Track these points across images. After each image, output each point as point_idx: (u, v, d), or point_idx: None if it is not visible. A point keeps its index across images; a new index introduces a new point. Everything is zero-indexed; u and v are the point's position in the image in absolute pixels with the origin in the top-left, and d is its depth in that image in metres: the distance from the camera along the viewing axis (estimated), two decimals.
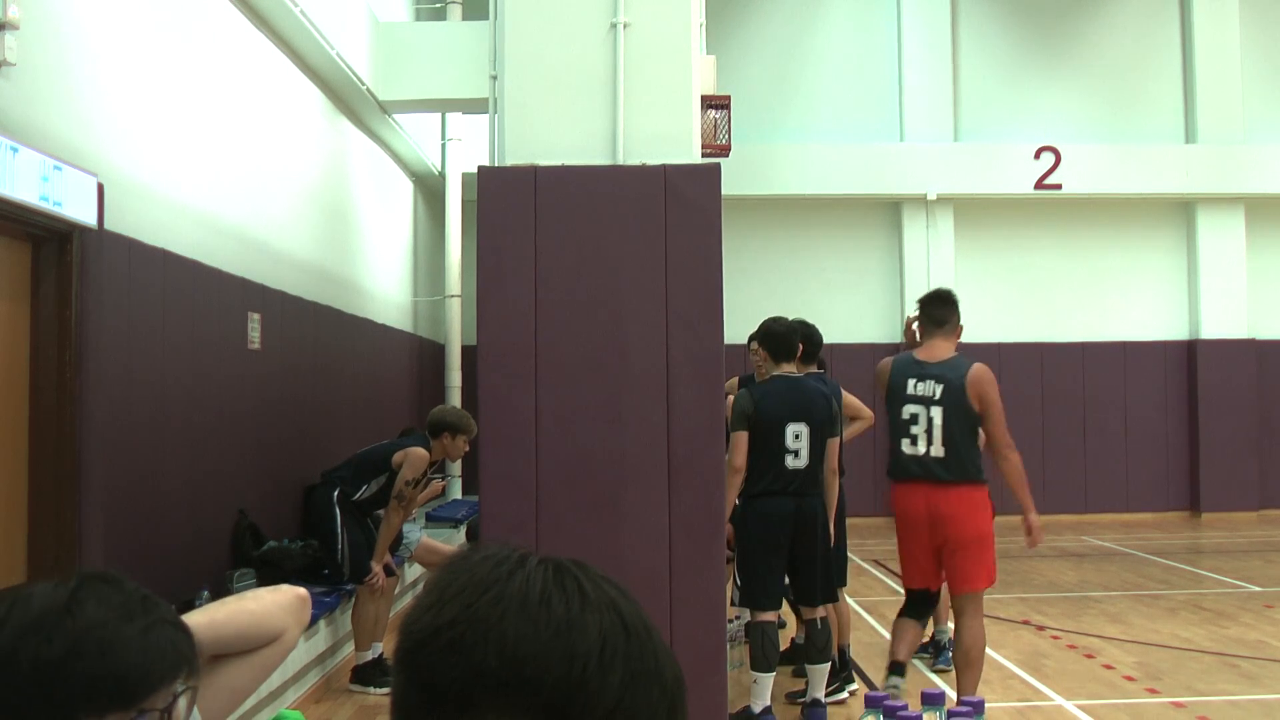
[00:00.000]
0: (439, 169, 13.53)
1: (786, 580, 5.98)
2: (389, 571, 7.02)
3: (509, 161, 4.94)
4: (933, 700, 1.93)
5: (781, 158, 15.58)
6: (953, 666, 5.83)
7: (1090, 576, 10.96)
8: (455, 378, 13.60)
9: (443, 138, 13.53)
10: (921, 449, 5.49)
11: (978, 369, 5.57)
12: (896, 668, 5.58)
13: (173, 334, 6.26)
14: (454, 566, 0.92)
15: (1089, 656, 7.43)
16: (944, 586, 5.72)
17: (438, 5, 12.72)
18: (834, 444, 5.97)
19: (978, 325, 13.82)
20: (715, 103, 10.04)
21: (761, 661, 5.67)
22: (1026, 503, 5.51)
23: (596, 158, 4.94)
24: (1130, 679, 6.85)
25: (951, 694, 5.60)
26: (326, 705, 6.52)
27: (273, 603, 1.72)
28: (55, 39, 5.21)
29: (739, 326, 7.10)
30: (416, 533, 7.86)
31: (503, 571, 0.90)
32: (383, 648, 6.83)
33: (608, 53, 4.96)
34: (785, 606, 6.37)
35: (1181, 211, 16.40)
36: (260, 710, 5.55)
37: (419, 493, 7.20)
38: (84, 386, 5.21)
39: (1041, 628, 8.36)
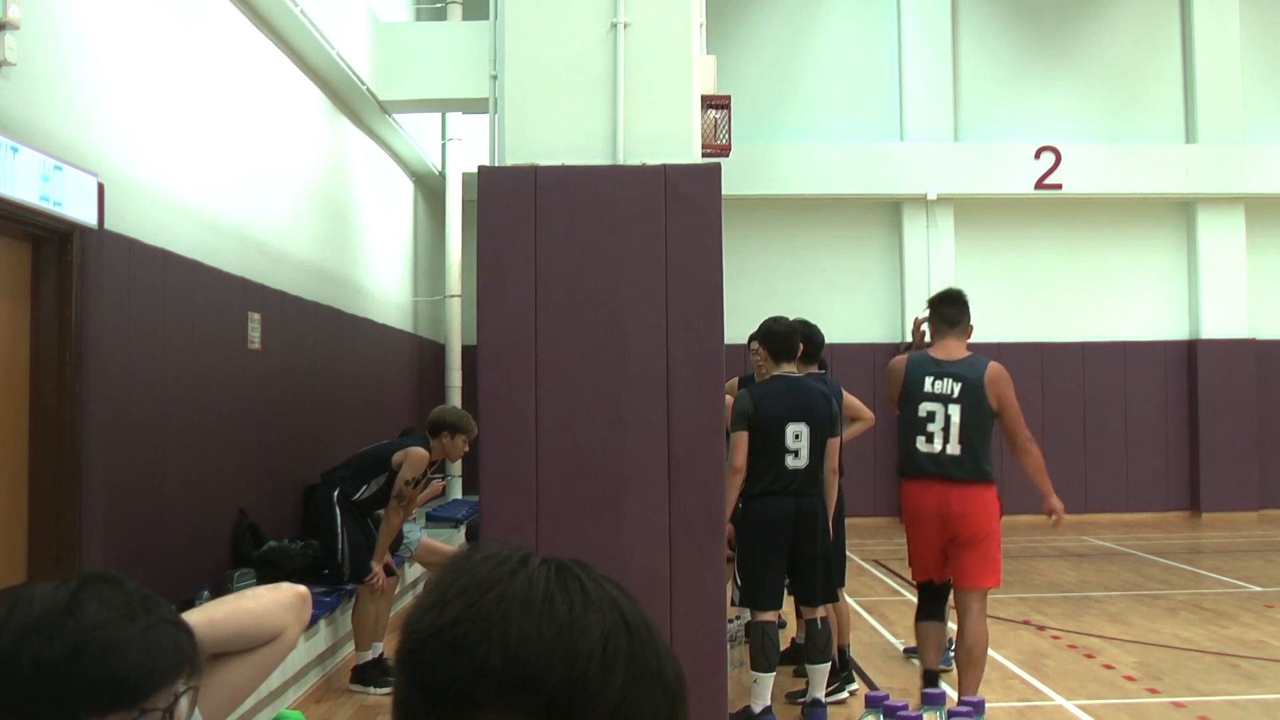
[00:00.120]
0: (439, 169, 13.52)
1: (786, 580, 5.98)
2: (389, 571, 7.02)
3: (509, 161, 4.94)
4: (933, 700, 1.93)
5: (781, 158, 15.57)
6: (954, 665, 5.84)
7: (1090, 576, 10.96)
8: (455, 378, 13.60)
9: (443, 138, 13.53)
10: (938, 446, 5.52)
11: (995, 368, 5.63)
12: (930, 677, 5.62)
13: (173, 334, 6.26)
14: (456, 566, 0.92)
15: (1089, 656, 7.43)
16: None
17: (438, 5, 12.72)
18: (834, 444, 5.97)
19: (978, 325, 13.73)
20: (715, 102, 10.04)
21: (762, 661, 5.67)
22: (1047, 489, 5.71)
23: (596, 158, 4.94)
24: (1130, 679, 6.85)
25: (952, 693, 5.60)
26: (326, 705, 6.52)
27: (273, 601, 1.71)
28: (55, 39, 5.21)
29: (739, 326, 7.10)
30: (417, 533, 7.85)
31: (505, 571, 0.90)
32: (383, 648, 6.83)
33: (608, 53, 4.96)
34: (786, 606, 6.38)
35: (1181, 211, 16.40)
36: (260, 710, 5.55)
37: (419, 493, 7.19)
38: (84, 386, 5.21)
39: (1042, 628, 8.36)
